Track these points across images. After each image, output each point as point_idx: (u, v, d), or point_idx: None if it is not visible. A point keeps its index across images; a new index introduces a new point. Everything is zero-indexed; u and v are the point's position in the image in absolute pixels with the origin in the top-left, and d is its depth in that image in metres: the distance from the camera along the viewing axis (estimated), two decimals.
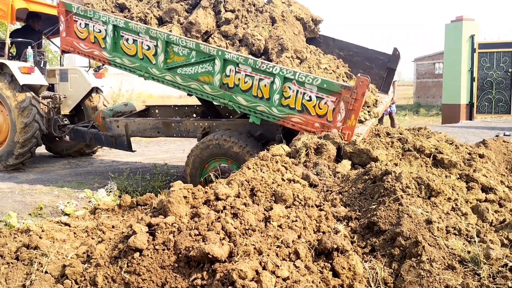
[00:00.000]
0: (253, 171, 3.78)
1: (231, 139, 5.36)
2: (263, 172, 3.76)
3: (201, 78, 5.41)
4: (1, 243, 3.15)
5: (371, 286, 2.58)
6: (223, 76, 5.25)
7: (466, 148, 5.51)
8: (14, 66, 6.90)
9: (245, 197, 3.05)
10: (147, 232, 2.67)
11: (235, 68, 5.18)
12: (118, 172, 6.61)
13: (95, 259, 2.67)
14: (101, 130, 6.81)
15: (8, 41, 7.22)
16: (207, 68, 5.36)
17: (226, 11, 5.98)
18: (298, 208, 3.30)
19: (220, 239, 2.52)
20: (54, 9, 7.01)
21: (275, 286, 2.23)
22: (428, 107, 25.23)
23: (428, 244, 2.71)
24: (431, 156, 4.71)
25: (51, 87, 8.21)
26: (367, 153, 4.28)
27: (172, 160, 8.22)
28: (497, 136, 8.14)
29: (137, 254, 2.56)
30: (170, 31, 5.70)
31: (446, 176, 4.37)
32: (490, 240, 2.79)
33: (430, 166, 4.70)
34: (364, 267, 2.66)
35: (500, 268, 2.52)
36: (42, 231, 3.39)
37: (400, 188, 3.21)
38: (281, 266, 2.36)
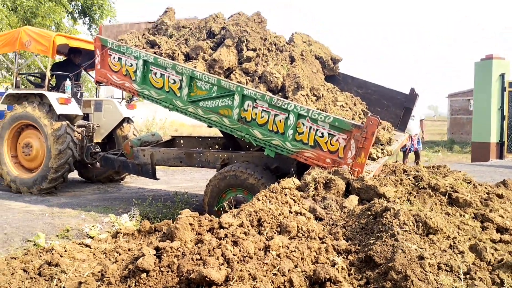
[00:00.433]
0: (262, 202, 4.00)
1: (247, 171, 5.62)
2: (272, 204, 3.98)
3: (221, 111, 5.74)
4: (27, 260, 3.47)
5: None
6: (241, 110, 5.56)
7: (485, 187, 5.53)
8: (52, 97, 7.47)
9: (248, 226, 3.26)
10: (154, 254, 2.92)
11: (253, 104, 5.49)
12: (142, 199, 6.94)
13: (107, 277, 2.93)
14: (129, 158, 7.22)
15: (48, 73, 7.84)
16: (226, 102, 5.69)
17: (248, 49, 6.34)
18: (301, 239, 3.49)
19: (219, 264, 2.74)
20: (92, 45, 7.60)
21: None
22: (462, 144, 24.84)
23: (418, 278, 2.84)
24: (447, 194, 4.78)
25: (86, 117, 8.76)
26: (374, 190, 4.43)
27: (195, 189, 8.53)
28: None
29: (144, 275, 2.80)
30: (195, 67, 6.10)
31: (460, 215, 4.46)
32: (479, 277, 2.89)
33: (445, 205, 4.77)
34: None
35: None
36: (65, 251, 3.69)
37: (397, 224, 3.36)
38: None
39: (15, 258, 3.62)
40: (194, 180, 10.05)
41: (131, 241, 4.42)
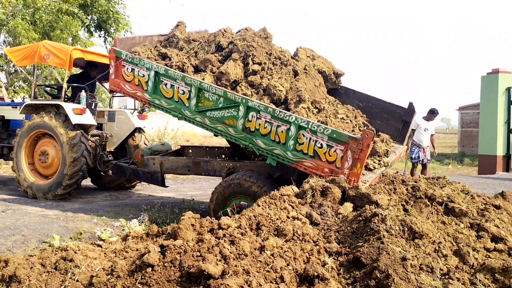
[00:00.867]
0: (262, 208, 4.29)
1: (251, 179, 5.91)
2: (270, 209, 4.27)
3: (227, 121, 6.06)
4: (44, 257, 3.79)
5: None
6: (245, 120, 5.87)
7: (482, 198, 5.72)
8: (68, 107, 7.88)
9: (245, 228, 3.55)
10: (159, 251, 3.22)
11: (257, 115, 5.80)
12: (151, 205, 7.27)
13: (116, 272, 3.23)
14: (140, 166, 7.56)
15: (65, 85, 8.27)
16: (232, 113, 6.00)
17: (253, 63, 6.67)
18: (296, 242, 3.76)
19: (217, 260, 3.03)
20: (106, 58, 8.01)
21: None
22: (473, 157, 24.82)
23: (400, 277, 3.10)
24: (443, 204, 4.99)
25: (99, 126, 9.15)
26: (368, 197, 4.68)
27: (203, 197, 8.84)
28: None
29: (149, 269, 3.10)
30: (203, 79, 6.43)
31: (456, 224, 4.68)
32: (457, 278, 3.13)
33: (441, 214, 4.98)
34: None
35: None
36: (79, 249, 4.01)
37: (384, 229, 3.62)
38: (263, 285, 2.83)
39: (32, 256, 3.95)
40: (202, 188, 10.36)
41: (140, 243, 4.73)
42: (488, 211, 4.98)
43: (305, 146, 5.47)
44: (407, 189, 5.34)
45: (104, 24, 16.45)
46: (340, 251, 3.67)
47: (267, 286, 2.87)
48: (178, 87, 6.44)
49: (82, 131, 7.92)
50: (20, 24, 13.92)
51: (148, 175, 7.44)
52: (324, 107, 6.27)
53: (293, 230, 3.85)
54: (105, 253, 4.12)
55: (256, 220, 3.90)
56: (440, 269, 3.32)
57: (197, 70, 6.98)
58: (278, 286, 2.98)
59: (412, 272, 3.18)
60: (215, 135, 6.45)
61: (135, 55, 6.96)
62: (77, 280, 3.28)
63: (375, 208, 4.29)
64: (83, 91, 8.38)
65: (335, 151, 5.29)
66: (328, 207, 4.61)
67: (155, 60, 7.10)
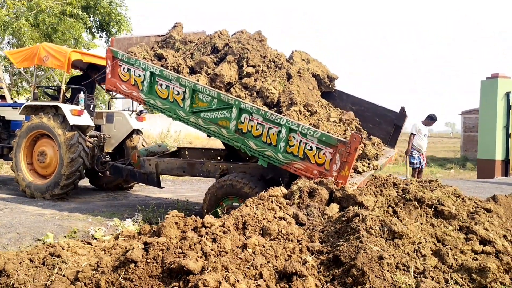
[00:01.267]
0: (249, 208, 4.38)
1: (243, 180, 6.01)
2: (258, 210, 4.36)
3: (220, 123, 6.16)
4: (33, 252, 3.89)
5: None
6: (238, 122, 5.97)
7: (474, 202, 5.78)
8: (66, 108, 8.01)
9: (228, 227, 3.64)
10: (143, 248, 3.32)
11: (249, 117, 5.90)
12: (146, 206, 7.37)
13: (101, 267, 3.33)
14: (136, 167, 7.67)
15: (63, 87, 8.41)
16: (225, 114, 6.10)
17: (248, 66, 6.77)
18: (280, 241, 3.85)
19: (198, 257, 3.12)
20: (105, 60, 8.13)
21: None
22: (475, 161, 24.71)
23: (375, 275, 3.18)
24: (433, 207, 5.06)
25: (98, 127, 9.28)
26: (354, 198, 4.76)
27: (199, 198, 8.91)
28: None
29: (132, 265, 3.20)
30: (198, 80, 6.54)
31: (445, 226, 4.75)
32: (431, 277, 3.21)
33: (430, 217, 5.05)
34: None
35: None
36: (68, 246, 4.11)
37: (363, 228, 3.70)
38: (241, 281, 2.92)
39: (22, 252, 4.05)
40: (200, 190, 10.45)
41: (130, 241, 4.83)
42: (478, 214, 5.03)
43: (296, 148, 5.57)
44: (397, 192, 5.42)
45: (106, 25, 16.64)
46: (322, 250, 3.76)
47: (245, 282, 2.96)
48: (173, 88, 6.54)
49: (79, 132, 8.04)
50: (24, 25, 14.11)
51: (144, 176, 7.55)
52: (316, 110, 6.36)
53: (278, 229, 3.93)
54: (94, 251, 4.22)
55: (242, 219, 3.99)
56: (417, 268, 3.40)
57: (192, 71, 7.09)
58: (256, 282, 3.07)
59: (388, 271, 3.26)
60: (208, 136, 6.55)
61: (132, 55, 7.08)
62: (64, 275, 3.38)
63: (358, 209, 4.39)
64: (81, 92, 8.50)
65: (324, 153, 5.38)
66: (315, 208, 4.70)
67: (152, 60, 7.21)
